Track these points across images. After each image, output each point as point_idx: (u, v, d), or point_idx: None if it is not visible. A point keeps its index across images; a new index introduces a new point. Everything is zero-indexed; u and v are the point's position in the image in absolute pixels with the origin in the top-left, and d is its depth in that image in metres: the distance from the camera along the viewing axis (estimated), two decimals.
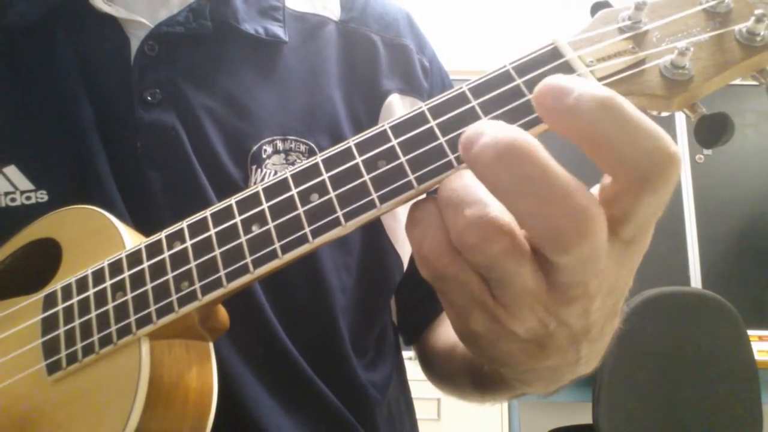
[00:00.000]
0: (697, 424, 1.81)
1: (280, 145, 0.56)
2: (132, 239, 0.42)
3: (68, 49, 0.56)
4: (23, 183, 0.53)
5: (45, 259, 0.45)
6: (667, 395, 1.82)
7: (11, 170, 0.53)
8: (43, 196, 0.53)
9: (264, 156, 0.55)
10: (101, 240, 0.43)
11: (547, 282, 0.29)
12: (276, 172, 0.55)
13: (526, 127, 0.31)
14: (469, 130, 0.27)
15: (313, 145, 0.57)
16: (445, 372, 0.63)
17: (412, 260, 0.65)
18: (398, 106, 0.63)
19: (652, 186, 0.27)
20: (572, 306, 0.30)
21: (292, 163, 0.56)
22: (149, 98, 0.54)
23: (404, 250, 0.64)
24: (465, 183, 0.29)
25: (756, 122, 2.75)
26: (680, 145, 2.82)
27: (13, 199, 0.53)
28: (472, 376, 0.54)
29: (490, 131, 0.26)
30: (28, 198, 0.53)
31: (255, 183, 0.54)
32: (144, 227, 0.47)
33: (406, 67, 0.66)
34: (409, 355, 0.74)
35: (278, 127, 0.57)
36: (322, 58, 0.62)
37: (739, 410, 1.84)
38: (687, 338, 1.86)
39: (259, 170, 0.55)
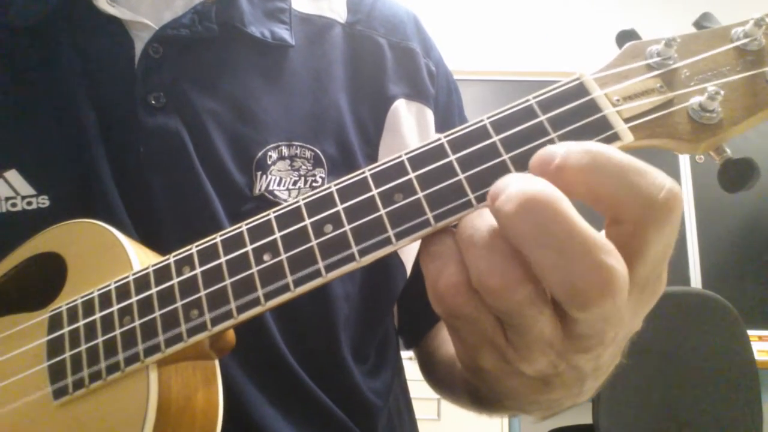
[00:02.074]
0: (697, 424, 1.82)
1: (285, 151, 0.55)
2: (139, 257, 0.41)
3: (71, 51, 0.55)
4: (24, 188, 0.52)
5: (49, 274, 0.44)
6: (667, 395, 1.82)
7: (12, 175, 0.52)
8: (44, 201, 0.52)
9: (269, 162, 0.54)
10: (108, 258, 0.42)
11: (563, 331, 0.29)
12: (281, 179, 0.55)
13: None
14: (497, 183, 0.27)
15: (318, 151, 0.57)
16: (444, 382, 0.63)
17: (415, 266, 0.65)
18: (404, 112, 0.62)
19: (657, 222, 0.26)
20: (587, 354, 0.30)
21: (297, 170, 0.55)
22: (153, 102, 0.53)
23: (408, 257, 0.64)
24: (489, 223, 0.28)
25: None
26: None
27: (14, 204, 0.52)
28: (470, 393, 0.54)
29: (516, 182, 0.26)
30: (30, 203, 0.52)
31: (260, 190, 0.54)
32: (146, 233, 0.46)
33: (413, 72, 0.65)
34: (409, 356, 0.74)
35: (283, 133, 0.56)
36: (328, 61, 0.62)
37: (739, 410, 1.84)
38: (687, 338, 1.86)
39: (264, 176, 0.54)
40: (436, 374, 0.66)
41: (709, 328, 1.89)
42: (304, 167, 0.56)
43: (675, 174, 2.79)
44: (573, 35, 2.92)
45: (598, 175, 0.26)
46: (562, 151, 0.27)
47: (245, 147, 0.54)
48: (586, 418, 1.83)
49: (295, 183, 0.55)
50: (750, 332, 1.93)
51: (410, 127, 0.62)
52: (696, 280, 2.68)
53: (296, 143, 0.56)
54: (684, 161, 2.81)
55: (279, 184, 0.54)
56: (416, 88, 0.64)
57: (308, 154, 0.56)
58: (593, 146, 0.27)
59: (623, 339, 0.31)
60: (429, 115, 0.64)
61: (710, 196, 2.74)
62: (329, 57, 0.62)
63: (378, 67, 0.63)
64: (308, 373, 0.54)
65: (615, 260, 0.26)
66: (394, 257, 0.62)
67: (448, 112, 0.68)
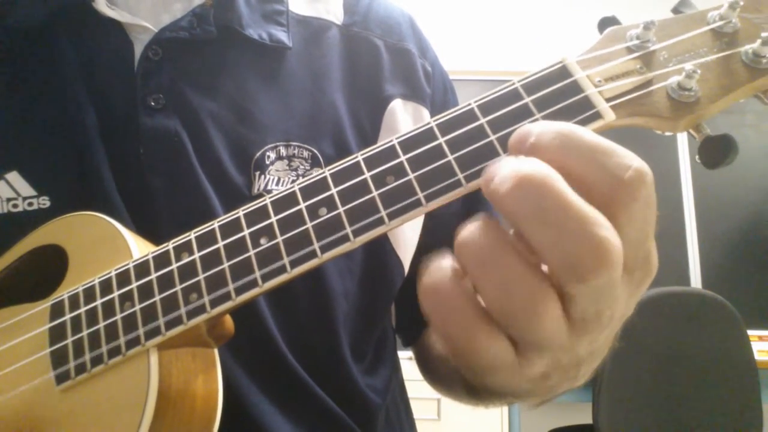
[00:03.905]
0: (697, 424, 1.82)
1: (283, 151, 0.56)
2: (139, 248, 0.42)
3: (71, 53, 0.55)
4: (25, 189, 0.53)
5: (50, 266, 0.45)
6: (667, 395, 1.82)
7: (13, 176, 0.53)
8: (45, 202, 0.53)
9: (267, 162, 0.55)
10: (108, 248, 0.43)
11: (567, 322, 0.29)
12: (279, 179, 0.55)
13: None
14: (490, 167, 0.27)
15: (316, 151, 0.57)
16: (441, 376, 0.64)
17: (412, 264, 0.65)
18: (401, 112, 0.63)
19: (624, 200, 0.27)
20: (583, 338, 0.30)
21: (295, 170, 0.56)
22: (153, 103, 0.53)
23: (405, 254, 0.64)
24: (494, 237, 0.28)
25: (756, 122, 2.75)
26: (680, 145, 2.83)
27: (15, 205, 0.52)
28: (465, 384, 0.54)
29: (509, 164, 0.27)
30: (31, 204, 0.52)
31: (258, 190, 0.54)
32: (146, 233, 0.47)
33: (409, 72, 0.65)
34: (408, 356, 0.74)
35: (282, 133, 0.57)
36: (325, 62, 0.62)
37: (739, 410, 1.84)
38: (687, 338, 1.87)
39: (262, 176, 0.55)
40: (433, 370, 0.66)
41: (709, 328, 1.89)
42: (302, 167, 0.56)
43: (675, 174, 2.80)
44: (566, 37, 2.93)
45: (568, 154, 0.27)
46: (536, 130, 0.28)
47: (244, 147, 0.55)
48: (586, 418, 1.83)
49: (293, 182, 0.56)
50: (750, 332, 1.93)
51: (407, 127, 0.63)
52: (696, 280, 2.68)
53: (294, 143, 0.57)
54: (684, 161, 2.82)
55: (277, 184, 0.55)
56: (412, 88, 0.65)
57: (306, 154, 0.57)
58: (565, 126, 0.28)
59: (618, 321, 0.31)
60: (425, 114, 0.65)
61: (710, 196, 2.75)
62: (326, 58, 0.63)
63: (375, 67, 0.64)
64: (307, 370, 0.55)
65: (609, 232, 0.26)
66: (392, 255, 0.63)
67: (444, 112, 0.69)
